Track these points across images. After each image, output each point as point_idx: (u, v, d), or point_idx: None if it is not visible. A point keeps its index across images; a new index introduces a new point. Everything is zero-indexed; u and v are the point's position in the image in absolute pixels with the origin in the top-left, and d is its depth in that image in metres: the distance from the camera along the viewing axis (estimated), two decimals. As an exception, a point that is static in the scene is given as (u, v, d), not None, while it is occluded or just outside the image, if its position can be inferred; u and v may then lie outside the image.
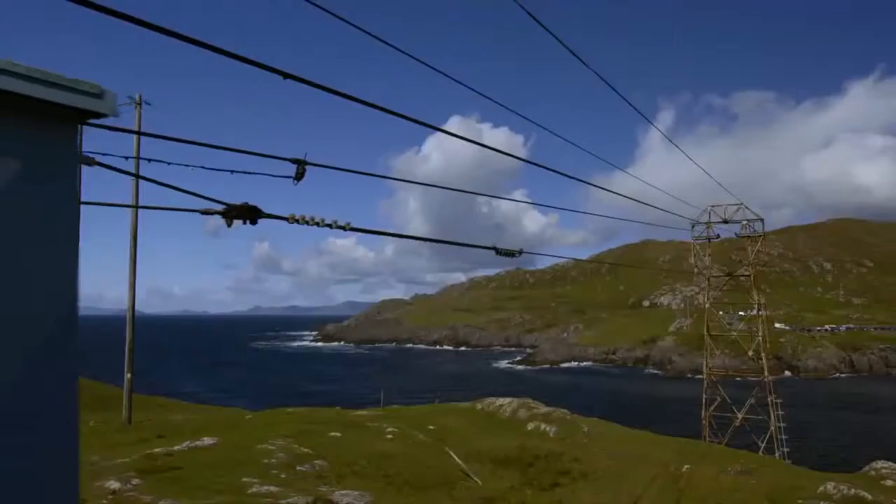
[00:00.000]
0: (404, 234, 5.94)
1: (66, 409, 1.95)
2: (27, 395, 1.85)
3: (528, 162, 6.71)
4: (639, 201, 12.95)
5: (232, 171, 4.66)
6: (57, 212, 2.06)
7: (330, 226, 4.58)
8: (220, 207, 4.18)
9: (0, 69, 1.86)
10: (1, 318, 1.84)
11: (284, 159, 4.79)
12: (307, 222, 4.48)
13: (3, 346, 1.82)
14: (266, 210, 4.34)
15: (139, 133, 4.56)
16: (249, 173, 4.94)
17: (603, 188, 10.23)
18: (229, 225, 4.18)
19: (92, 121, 2.23)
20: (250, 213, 4.13)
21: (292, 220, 4.45)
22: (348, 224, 4.71)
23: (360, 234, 5.03)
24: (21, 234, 1.94)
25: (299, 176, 4.88)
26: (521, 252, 6.35)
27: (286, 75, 3.79)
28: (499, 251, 6.21)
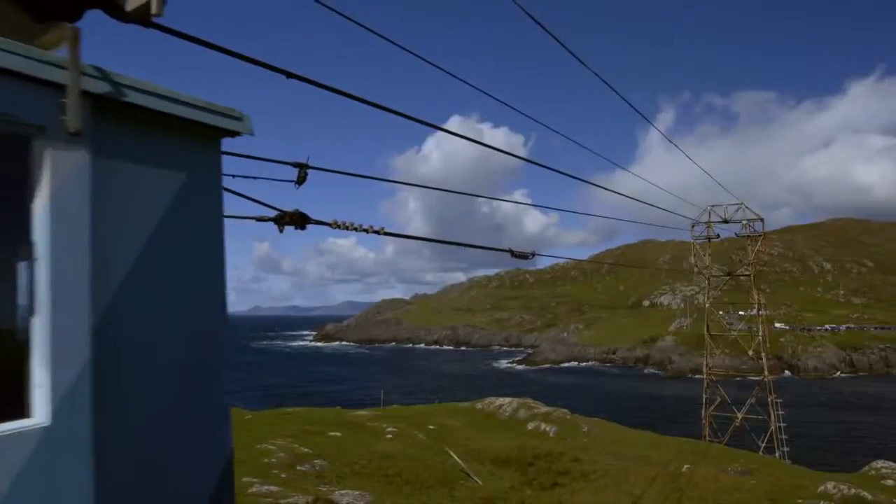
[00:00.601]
0: (428, 237, 6.21)
1: (220, 385, 2.56)
2: (194, 379, 2.41)
3: (528, 161, 6.71)
4: (639, 201, 12.95)
5: (233, 176, 4.72)
6: (208, 219, 2.49)
7: (367, 230, 4.88)
8: (273, 214, 4.40)
9: (164, 95, 2.29)
10: (175, 316, 2.34)
11: (286, 163, 4.83)
12: (348, 227, 4.77)
13: (178, 338, 2.36)
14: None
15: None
16: (252, 178, 4.96)
17: (603, 188, 10.23)
18: (281, 230, 4.41)
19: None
20: (300, 220, 4.38)
21: (335, 225, 4.74)
22: (382, 229, 4.99)
23: (361, 233, 5.14)
24: (184, 240, 2.39)
25: (301, 180, 4.91)
26: (533, 254, 6.65)
27: (290, 74, 3.80)
28: (514, 254, 6.54)
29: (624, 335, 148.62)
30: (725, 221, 44.32)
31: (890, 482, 23.43)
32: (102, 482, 2.03)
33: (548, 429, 29.93)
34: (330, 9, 4.19)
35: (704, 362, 45.34)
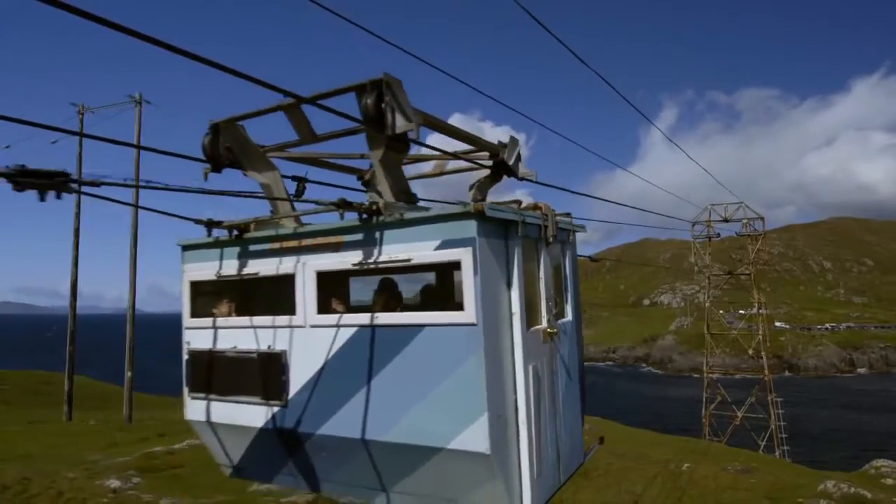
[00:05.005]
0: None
1: (581, 338, 6.24)
2: (578, 338, 5.97)
3: (521, 177, 6.78)
4: (637, 208, 12.89)
5: (237, 194, 4.78)
6: (574, 271, 5.94)
7: None
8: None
9: (570, 222, 5.78)
10: (577, 317, 5.91)
11: (286, 177, 4.86)
12: None
13: (578, 325, 6.08)
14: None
15: (138, 147, 4.65)
16: (253, 193, 5.00)
17: (600, 199, 10.30)
18: None
19: None
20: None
21: None
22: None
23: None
24: (573, 283, 5.85)
25: (300, 193, 4.95)
26: (597, 258, 9.57)
27: (287, 94, 3.78)
28: (592, 259, 9.03)
29: (624, 334, 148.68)
30: (726, 220, 44.32)
31: (890, 481, 23.46)
32: (578, 355, 5.71)
33: (548, 428, 29.91)
34: (326, 9, 4.19)
35: (705, 361, 45.38)
